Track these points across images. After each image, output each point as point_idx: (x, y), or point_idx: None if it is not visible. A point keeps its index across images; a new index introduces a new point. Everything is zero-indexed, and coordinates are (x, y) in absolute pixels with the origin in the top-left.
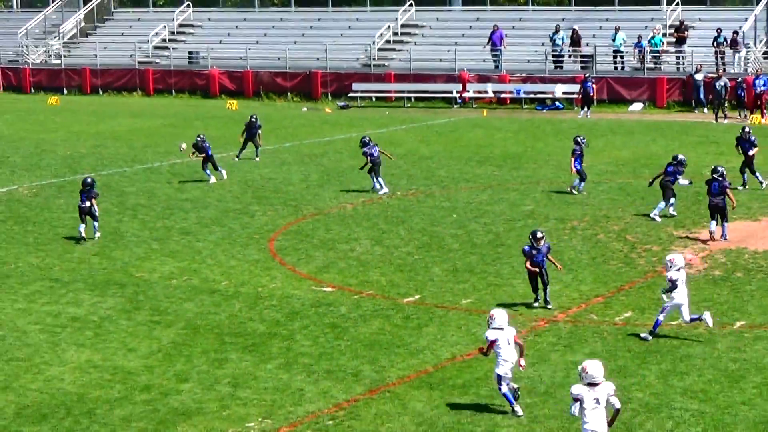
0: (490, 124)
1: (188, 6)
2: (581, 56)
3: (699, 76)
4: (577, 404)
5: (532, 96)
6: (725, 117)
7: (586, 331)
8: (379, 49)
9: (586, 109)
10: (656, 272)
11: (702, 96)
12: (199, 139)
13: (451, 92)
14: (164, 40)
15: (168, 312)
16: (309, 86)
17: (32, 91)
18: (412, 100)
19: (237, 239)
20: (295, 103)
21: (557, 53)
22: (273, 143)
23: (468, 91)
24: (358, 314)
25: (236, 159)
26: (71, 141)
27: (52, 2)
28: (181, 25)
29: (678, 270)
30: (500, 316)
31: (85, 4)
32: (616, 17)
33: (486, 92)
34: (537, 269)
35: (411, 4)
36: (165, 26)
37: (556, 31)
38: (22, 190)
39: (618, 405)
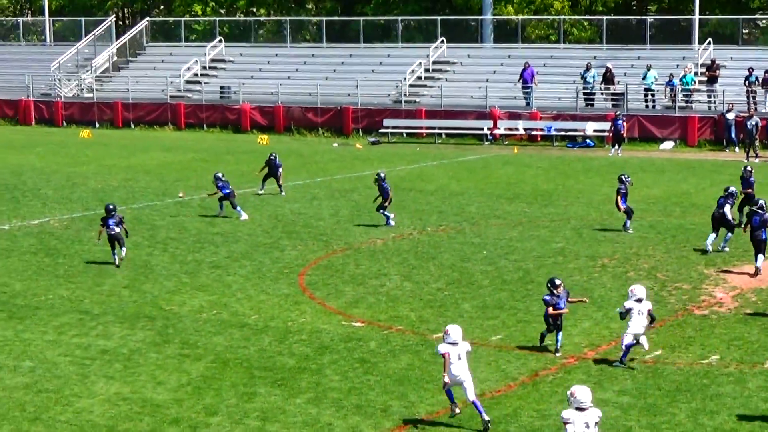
0: (521, 161)
1: (220, 41)
2: (612, 94)
3: (731, 116)
4: (569, 427)
5: (563, 133)
6: (756, 156)
7: (616, 369)
8: (411, 86)
9: (617, 146)
10: (687, 311)
11: (733, 135)
12: (217, 176)
13: (482, 129)
14: (196, 75)
15: (197, 345)
16: (340, 122)
17: (64, 124)
18: (443, 136)
19: (267, 273)
20: (326, 138)
21: (588, 91)
22: (304, 178)
23: (499, 128)
24: (387, 349)
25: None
26: (102, 174)
27: (85, 36)
28: (213, 60)
29: (637, 300)
30: (454, 331)
31: (117, 38)
32: (648, 56)
33: (517, 129)
34: (559, 313)
35: (443, 41)
36: (197, 61)
37: (587, 69)
38: (53, 223)
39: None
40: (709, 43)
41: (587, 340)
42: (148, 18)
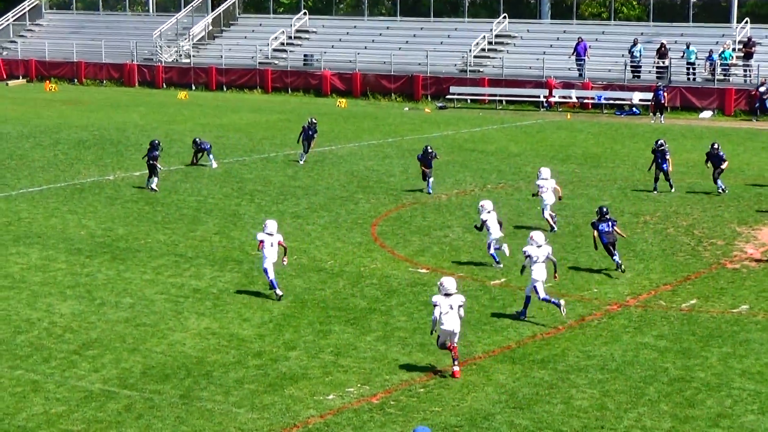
0: (573, 127)
1: (305, 14)
2: (658, 67)
3: (763, 89)
4: (437, 309)
5: (611, 102)
6: None
7: (655, 316)
8: (475, 57)
9: (658, 114)
10: (720, 264)
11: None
12: (195, 141)
13: (539, 97)
14: (282, 44)
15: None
16: (411, 88)
17: (164, 86)
18: (504, 103)
19: (342, 224)
20: (398, 103)
21: (635, 64)
22: (377, 138)
23: (554, 96)
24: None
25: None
26: (197, 131)
27: (184, 8)
28: (297, 31)
29: (488, 213)
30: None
31: (213, 9)
32: (690, 32)
33: (570, 97)
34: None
35: (504, 17)
36: (283, 31)
37: (635, 44)
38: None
39: (462, 314)
40: (746, 22)
41: (629, 289)
42: None
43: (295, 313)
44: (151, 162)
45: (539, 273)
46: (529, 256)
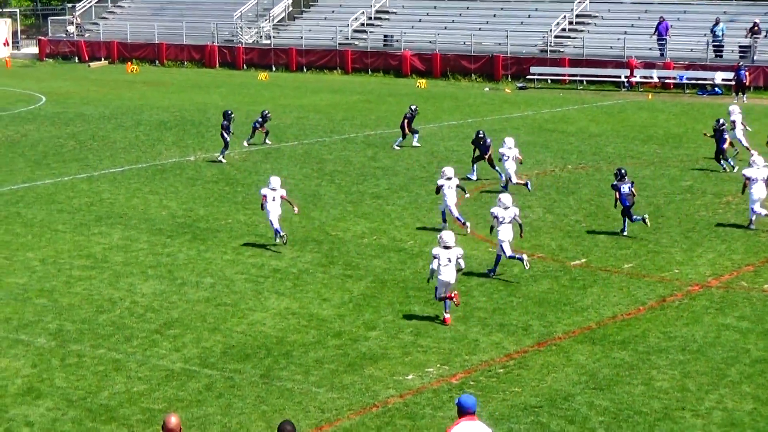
0: (655, 107)
1: None
2: (741, 46)
3: None
4: (435, 261)
5: (693, 82)
6: None
7: (737, 297)
8: (556, 36)
9: (741, 94)
10: None
11: None
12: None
13: (620, 77)
14: (362, 24)
15: (359, 267)
16: (491, 68)
17: (245, 67)
18: (584, 83)
19: (422, 204)
20: (478, 83)
21: (717, 43)
22: (457, 119)
23: (635, 76)
24: (529, 274)
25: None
26: (278, 112)
27: None
28: (377, 11)
29: (447, 179)
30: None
31: None
32: None
33: (652, 78)
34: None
35: None
36: (363, 12)
37: (716, 23)
38: (233, 155)
39: (463, 265)
40: None
41: (711, 270)
42: None
43: (375, 294)
44: (222, 132)
45: (505, 233)
46: (496, 216)
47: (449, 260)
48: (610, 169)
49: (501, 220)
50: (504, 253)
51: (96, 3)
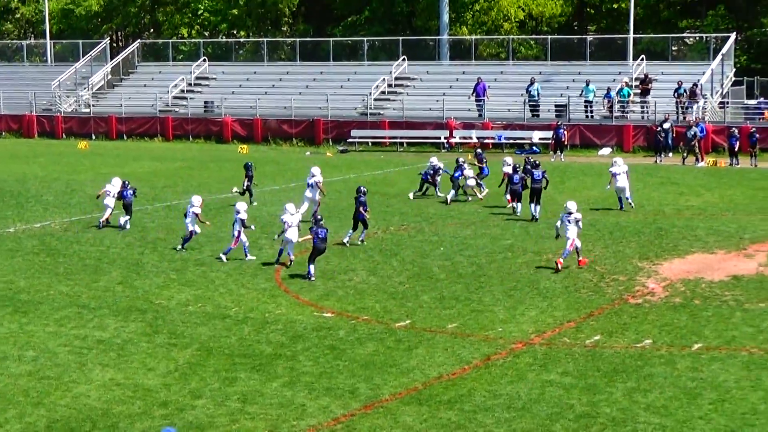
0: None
1: (204, 60)
2: (556, 105)
3: (667, 125)
4: (285, 224)
5: (512, 141)
6: (698, 160)
7: (560, 353)
8: (375, 99)
9: (559, 152)
10: (623, 300)
11: (670, 142)
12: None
13: (440, 138)
14: (183, 91)
15: (184, 335)
16: (312, 132)
17: (64, 136)
18: (405, 145)
19: (247, 270)
20: (299, 147)
21: (534, 103)
22: (279, 183)
23: (455, 137)
24: (354, 337)
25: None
26: (98, 181)
27: (83, 57)
28: (197, 78)
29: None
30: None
31: (111, 58)
32: (588, 71)
33: (471, 138)
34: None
35: (404, 59)
36: (183, 78)
37: (531, 83)
38: (53, 226)
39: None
40: (642, 60)
41: (533, 327)
42: (139, 40)
43: (201, 361)
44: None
45: (292, 234)
46: (284, 222)
47: (291, 224)
48: (432, 230)
49: (289, 224)
50: (289, 253)
51: None
